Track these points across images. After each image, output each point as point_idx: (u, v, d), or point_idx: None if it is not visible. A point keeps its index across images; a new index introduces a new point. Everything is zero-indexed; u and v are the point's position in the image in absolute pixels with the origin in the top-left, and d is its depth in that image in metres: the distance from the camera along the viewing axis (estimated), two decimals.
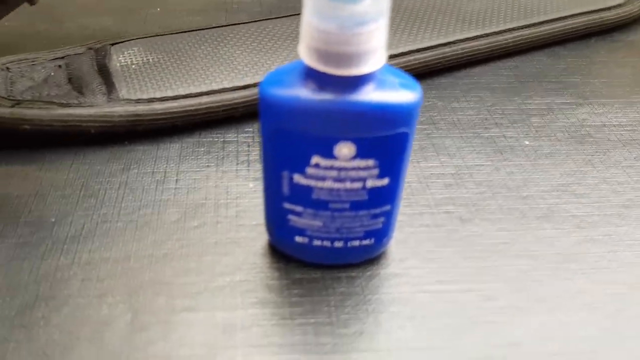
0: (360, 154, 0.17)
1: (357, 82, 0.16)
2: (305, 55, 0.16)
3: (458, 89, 0.29)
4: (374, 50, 0.15)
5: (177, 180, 0.23)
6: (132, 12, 0.34)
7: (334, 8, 0.14)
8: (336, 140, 0.16)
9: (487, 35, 0.30)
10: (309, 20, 0.15)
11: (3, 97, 0.23)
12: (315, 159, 0.17)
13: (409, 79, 0.17)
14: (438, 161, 0.24)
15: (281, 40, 0.29)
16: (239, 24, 0.30)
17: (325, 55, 0.15)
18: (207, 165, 0.24)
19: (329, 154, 0.17)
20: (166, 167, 0.23)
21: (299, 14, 0.31)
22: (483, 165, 0.24)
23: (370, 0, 0.14)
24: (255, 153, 0.24)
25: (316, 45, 0.15)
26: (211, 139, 0.25)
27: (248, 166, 0.24)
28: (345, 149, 0.16)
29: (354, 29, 0.14)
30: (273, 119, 0.17)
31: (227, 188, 0.23)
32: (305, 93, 0.16)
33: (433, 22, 0.31)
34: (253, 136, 0.25)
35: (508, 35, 0.31)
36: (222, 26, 0.30)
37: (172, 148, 0.24)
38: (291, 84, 0.16)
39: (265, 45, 0.28)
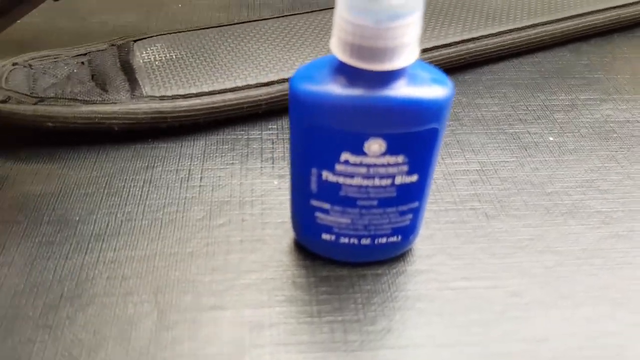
0: (390, 150, 0.16)
1: (389, 77, 0.15)
2: (337, 49, 0.15)
3: (481, 85, 0.29)
4: (407, 45, 0.15)
5: (201, 177, 0.23)
6: (154, 9, 0.34)
7: (368, 2, 0.14)
8: (366, 137, 0.16)
9: (510, 31, 0.30)
10: (343, 14, 0.15)
11: (26, 95, 0.23)
12: (344, 156, 0.16)
13: (440, 74, 0.17)
14: (463, 157, 0.24)
15: (304, 36, 0.28)
16: (261, 20, 0.30)
17: (357, 50, 0.15)
18: (232, 163, 0.23)
19: (358, 150, 0.16)
20: (190, 164, 0.23)
21: (321, 10, 0.31)
22: (508, 161, 0.24)
23: None
24: (280, 150, 0.24)
25: (349, 40, 0.15)
26: (235, 136, 0.25)
27: (272, 163, 0.24)
28: (375, 145, 0.16)
29: (388, 23, 0.14)
30: (303, 114, 0.16)
31: (252, 185, 0.22)
32: (336, 88, 0.16)
33: (457, 19, 0.30)
34: (277, 133, 0.25)
35: (531, 31, 0.30)
36: (245, 22, 0.30)
37: (196, 145, 0.24)
38: (322, 79, 0.16)
39: (288, 42, 0.28)
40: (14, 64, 0.25)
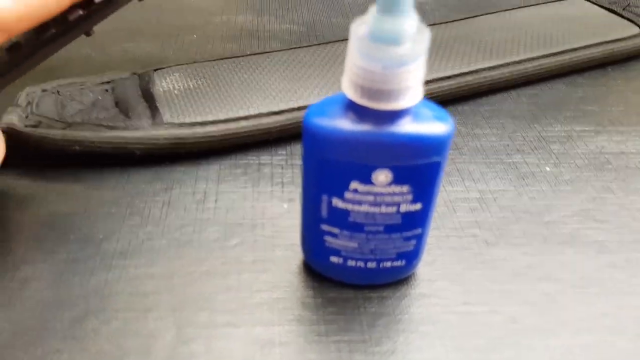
0: (396, 181, 0.18)
1: (395, 115, 0.17)
2: (348, 89, 0.17)
3: (480, 115, 0.30)
4: (412, 87, 0.16)
5: (216, 200, 0.24)
6: (171, 38, 0.36)
7: (377, 50, 0.16)
8: (374, 168, 0.17)
9: (507, 64, 0.32)
10: (354, 59, 0.16)
11: (55, 120, 0.25)
12: (353, 185, 0.18)
13: (442, 112, 0.18)
14: (463, 186, 0.25)
15: (312, 68, 0.30)
16: (271, 52, 0.32)
17: (367, 91, 0.16)
18: (244, 187, 0.25)
19: (367, 180, 0.18)
20: (206, 187, 0.25)
21: (327, 43, 0.33)
22: (506, 190, 0.25)
23: (411, 44, 0.16)
24: (289, 175, 0.26)
25: (359, 82, 0.16)
26: (247, 161, 0.26)
27: (282, 187, 0.25)
28: (382, 176, 0.18)
29: (395, 69, 0.16)
30: (316, 147, 0.18)
31: (263, 208, 0.24)
32: (346, 124, 0.17)
33: (456, 52, 0.32)
34: (286, 159, 0.27)
35: (528, 65, 0.32)
36: (256, 54, 0.31)
37: (211, 169, 0.26)
38: (333, 115, 0.17)
39: (297, 73, 0.30)
40: (43, 90, 0.27)
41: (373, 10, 0.16)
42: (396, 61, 0.16)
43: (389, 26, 0.15)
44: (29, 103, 0.26)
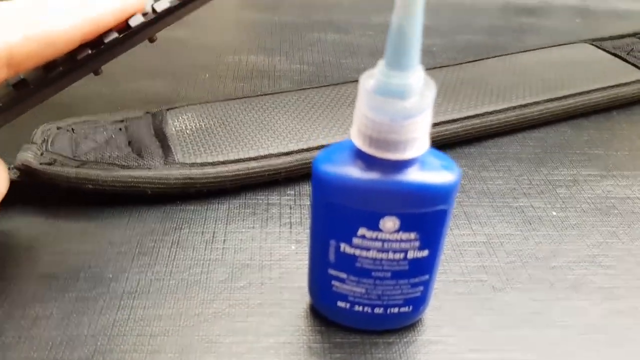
0: (404, 228, 0.18)
1: (403, 164, 0.17)
2: (357, 139, 0.17)
3: (486, 158, 0.31)
4: (419, 138, 0.17)
5: (224, 240, 0.24)
6: (184, 77, 0.37)
7: (385, 103, 0.16)
8: (382, 215, 0.18)
9: (514, 108, 0.32)
10: (362, 110, 0.17)
11: (69, 158, 0.25)
12: (361, 231, 0.18)
13: (448, 160, 0.18)
14: (470, 229, 0.26)
15: (321, 109, 0.31)
16: (282, 92, 0.32)
17: (375, 141, 0.17)
18: (252, 227, 0.25)
19: (374, 226, 0.18)
20: (215, 227, 0.25)
21: (336, 84, 0.34)
22: (513, 234, 0.26)
23: (418, 97, 0.16)
24: (297, 215, 0.26)
25: (367, 132, 0.17)
26: (256, 201, 0.27)
27: (290, 228, 0.25)
28: (389, 223, 0.18)
29: (402, 121, 0.16)
30: (324, 193, 0.18)
31: (271, 249, 0.24)
32: (354, 172, 0.18)
33: (463, 95, 0.33)
34: (294, 199, 0.27)
35: (534, 109, 0.33)
36: (267, 94, 0.32)
37: (220, 209, 0.26)
38: (342, 162, 0.18)
39: (307, 114, 0.30)
40: (58, 128, 0.28)
41: (381, 63, 0.16)
42: (403, 114, 0.16)
43: (397, 81, 0.16)
44: (44, 140, 0.26)
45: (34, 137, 0.27)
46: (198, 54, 0.41)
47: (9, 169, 0.24)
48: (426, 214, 0.18)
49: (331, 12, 0.50)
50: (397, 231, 0.18)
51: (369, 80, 0.17)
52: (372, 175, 0.17)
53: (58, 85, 0.24)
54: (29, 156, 0.25)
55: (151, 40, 0.26)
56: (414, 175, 0.17)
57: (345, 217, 0.18)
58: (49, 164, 0.25)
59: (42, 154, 0.25)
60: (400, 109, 0.16)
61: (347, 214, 0.18)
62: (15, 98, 0.23)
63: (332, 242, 0.19)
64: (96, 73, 0.25)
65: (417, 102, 0.16)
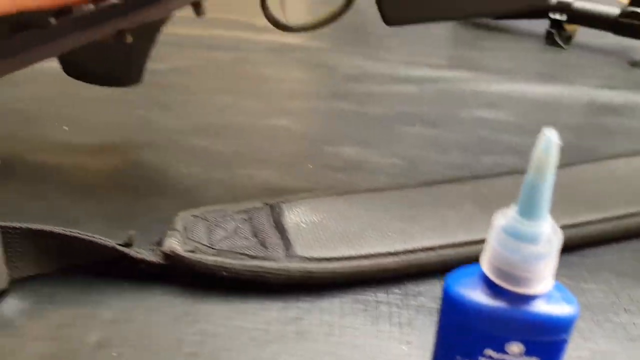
0: (528, 353, 0.20)
1: (529, 297, 0.19)
2: (487, 269, 0.20)
3: (584, 269, 0.32)
4: (546, 277, 0.19)
5: (339, 334, 0.27)
6: (291, 166, 0.41)
7: (515, 245, 0.18)
8: (508, 339, 0.20)
9: (610, 219, 0.33)
10: (494, 245, 0.19)
11: (206, 246, 0.29)
12: (488, 352, 0.20)
13: (568, 294, 0.20)
14: (574, 343, 0.26)
15: (423, 209, 0.33)
16: (382, 190, 0.35)
17: (504, 274, 0.19)
18: (364, 324, 0.27)
19: (500, 349, 0.20)
20: (330, 319, 0.27)
21: (431, 185, 0.36)
22: (617, 352, 0.26)
23: (546, 243, 0.18)
24: (405, 316, 0.28)
25: (497, 265, 0.19)
26: (365, 297, 0.29)
27: (400, 328, 0.27)
28: (515, 347, 0.20)
29: (531, 263, 0.18)
30: (454, 314, 0.20)
31: (386, 349, 0.26)
32: (484, 298, 0.20)
33: (558, 202, 0.34)
34: (401, 298, 0.29)
35: (631, 220, 0.33)
36: (369, 191, 0.35)
37: (334, 302, 0.28)
38: (472, 286, 0.20)
39: (408, 213, 0.33)
40: (193, 216, 0.32)
41: (514, 209, 0.19)
42: (532, 257, 0.18)
43: (528, 229, 0.18)
44: (185, 228, 0.30)
45: (176, 224, 0.30)
46: (299, 143, 0.45)
47: (151, 250, 0.28)
48: (549, 342, 0.20)
49: (417, 104, 0.53)
50: (522, 355, 0.20)
51: (502, 220, 0.19)
52: (500, 304, 0.19)
53: (79, 35, 0.25)
54: (175, 243, 0.29)
55: (198, 13, 0.27)
56: (539, 307, 0.19)
57: (472, 336, 0.20)
58: (192, 251, 0.28)
59: (184, 242, 0.29)
60: (529, 253, 0.18)
61: (474, 335, 0.20)
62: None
63: (458, 358, 0.21)
64: (120, 38, 0.26)
65: (546, 247, 0.18)
